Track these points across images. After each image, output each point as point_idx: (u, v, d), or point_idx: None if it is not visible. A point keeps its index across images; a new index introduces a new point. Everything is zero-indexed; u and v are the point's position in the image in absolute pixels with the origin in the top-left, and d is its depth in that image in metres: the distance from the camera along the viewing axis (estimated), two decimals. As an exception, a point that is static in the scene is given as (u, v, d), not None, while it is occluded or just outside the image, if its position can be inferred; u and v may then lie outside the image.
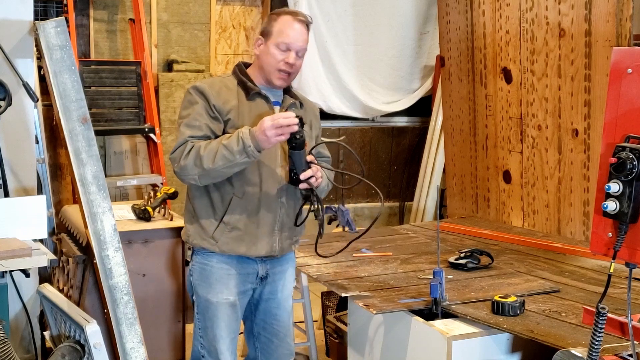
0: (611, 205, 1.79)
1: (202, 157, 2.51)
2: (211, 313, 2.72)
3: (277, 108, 2.72)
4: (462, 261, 3.31)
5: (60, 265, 3.59)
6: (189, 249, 3.11)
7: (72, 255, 3.43)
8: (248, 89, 2.67)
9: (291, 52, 2.65)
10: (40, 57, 3.10)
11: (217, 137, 2.59)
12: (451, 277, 3.17)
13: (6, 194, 3.13)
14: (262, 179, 2.66)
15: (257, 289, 2.80)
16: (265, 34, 2.69)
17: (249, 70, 2.74)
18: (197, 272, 2.73)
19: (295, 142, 2.51)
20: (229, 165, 2.51)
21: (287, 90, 2.77)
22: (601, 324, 1.83)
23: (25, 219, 2.86)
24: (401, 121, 6.24)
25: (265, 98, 2.69)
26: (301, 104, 2.81)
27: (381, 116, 6.10)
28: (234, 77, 2.73)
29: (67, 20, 3.17)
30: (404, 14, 5.85)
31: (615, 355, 2.14)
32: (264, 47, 2.68)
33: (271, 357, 2.90)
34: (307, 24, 2.69)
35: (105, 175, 3.09)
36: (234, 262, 2.70)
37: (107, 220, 2.87)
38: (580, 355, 2.07)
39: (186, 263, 3.75)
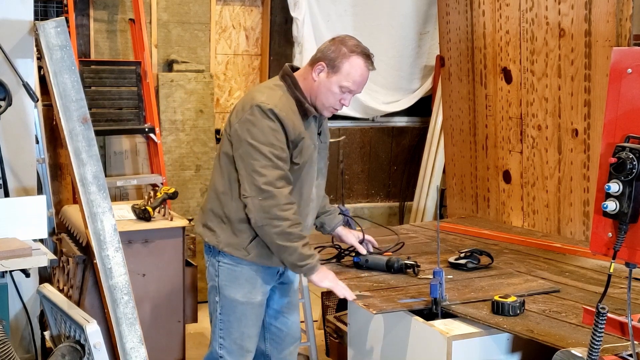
0: (611, 205, 1.79)
1: (284, 229, 2.57)
2: (240, 313, 2.76)
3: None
4: (462, 261, 3.31)
5: (60, 265, 3.59)
6: (196, 245, 3.12)
7: (72, 255, 3.43)
8: (306, 112, 2.67)
9: (350, 95, 2.68)
10: (40, 57, 3.11)
11: None
12: (451, 277, 3.16)
13: (6, 194, 3.13)
14: (301, 199, 2.73)
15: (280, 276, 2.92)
16: (331, 65, 2.63)
17: (300, 83, 2.70)
18: (224, 274, 2.75)
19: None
20: (280, 251, 2.62)
21: None
22: (601, 324, 1.83)
23: (25, 219, 2.87)
24: (401, 121, 6.24)
25: (314, 118, 2.74)
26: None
27: (381, 116, 6.10)
28: (291, 94, 2.67)
29: (67, 20, 3.17)
30: (404, 14, 5.85)
31: (615, 355, 2.14)
32: (325, 79, 2.64)
33: (279, 345, 2.99)
34: (373, 67, 2.70)
35: (105, 175, 3.09)
36: (261, 265, 2.77)
37: (107, 220, 2.87)
38: (580, 355, 2.07)
39: (187, 264, 3.75)
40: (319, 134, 2.82)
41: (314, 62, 2.67)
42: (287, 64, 2.76)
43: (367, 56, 2.66)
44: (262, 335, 2.97)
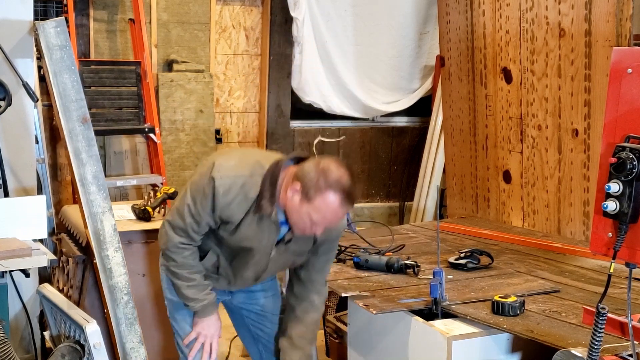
0: (611, 205, 1.79)
1: (169, 267, 2.58)
2: (180, 316, 2.72)
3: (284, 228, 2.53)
4: (462, 261, 3.31)
5: (60, 265, 3.59)
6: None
7: (72, 255, 3.42)
8: (261, 211, 2.43)
9: (321, 227, 2.42)
10: (40, 57, 3.11)
11: (211, 228, 2.54)
12: (451, 277, 3.17)
13: (6, 194, 3.14)
14: (228, 263, 2.64)
15: (229, 295, 2.83)
16: (305, 192, 2.34)
17: (283, 184, 2.42)
18: (165, 278, 2.70)
19: None
20: (176, 286, 2.62)
21: None
22: (601, 324, 1.83)
23: (25, 219, 2.87)
24: (401, 121, 6.24)
25: (276, 223, 2.48)
26: None
27: (381, 116, 6.10)
28: (260, 186, 2.42)
29: (67, 20, 3.18)
30: (404, 14, 5.85)
31: (615, 355, 2.14)
32: (297, 204, 2.36)
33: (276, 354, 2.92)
34: (352, 206, 2.43)
35: (105, 175, 3.09)
36: None
37: (107, 220, 2.87)
38: (580, 355, 2.07)
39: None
40: (288, 241, 2.55)
41: (294, 177, 2.39)
42: (294, 154, 2.50)
43: (347, 194, 2.34)
44: (255, 348, 2.93)
